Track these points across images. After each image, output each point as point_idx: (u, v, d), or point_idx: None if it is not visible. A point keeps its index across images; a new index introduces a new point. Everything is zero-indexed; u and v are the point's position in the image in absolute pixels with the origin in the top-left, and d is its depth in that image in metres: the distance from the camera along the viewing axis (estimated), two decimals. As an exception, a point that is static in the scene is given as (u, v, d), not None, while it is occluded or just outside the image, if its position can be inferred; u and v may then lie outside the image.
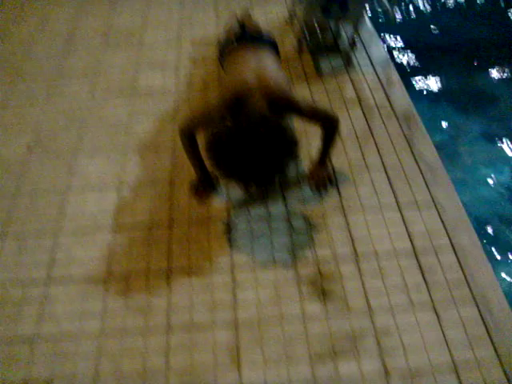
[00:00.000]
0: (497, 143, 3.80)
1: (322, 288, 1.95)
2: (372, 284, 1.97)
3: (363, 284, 1.97)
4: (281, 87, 2.14)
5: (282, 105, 2.10)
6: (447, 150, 3.67)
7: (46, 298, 1.98)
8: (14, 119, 2.83)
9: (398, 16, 5.13)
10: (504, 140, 3.80)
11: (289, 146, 1.94)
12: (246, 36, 2.57)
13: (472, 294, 1.93)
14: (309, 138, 2.55)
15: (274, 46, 2.59)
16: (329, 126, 2.24)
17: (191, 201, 2.31)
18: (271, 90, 2.08)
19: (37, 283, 2.03)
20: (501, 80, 4.43)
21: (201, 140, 2.13)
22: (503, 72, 4.50)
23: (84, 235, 2.20)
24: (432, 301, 1.91)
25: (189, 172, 2.39)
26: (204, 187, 2.33)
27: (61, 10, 3.81)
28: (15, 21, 3.73)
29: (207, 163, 2.18)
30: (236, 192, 2.34)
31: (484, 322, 1.84)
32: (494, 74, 4.49)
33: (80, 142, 2.65)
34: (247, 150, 1.84)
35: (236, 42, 2.52)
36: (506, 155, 3.70)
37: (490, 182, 3.52)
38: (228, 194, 2.34)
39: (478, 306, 1.89)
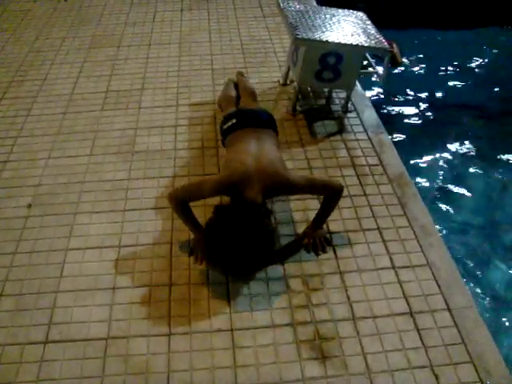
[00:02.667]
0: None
1: (320, 349, 1.97)
2: (370, 345, 1.99)
3: (361, 345, 1.99)
4: (278, 171, 2.25)
5: (280, 189, 2.27)
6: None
7: (44, 360, 1.97)
8: (15, 177, 2.88)
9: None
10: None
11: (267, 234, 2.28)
12: (244, 115, 2.67)
13: (469, 354, 1.95)
14: (304, 201, 2.61)
15: (271, 122, 2.69)
16: (331, 195, 2.33)
17: (190, 261, 2.34)
18: (272, 177, 2.20)
19: (35, 344, 2.02)
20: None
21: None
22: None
23: (83, 295, 2.21)
24: (430, 361, 1.93)
25: (189, 232, 2.43)
26: (202, 248, 2.35)
27: (62, 71, 3.92)
28: (17, 80, 3.83)
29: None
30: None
31: (482, 383, 1.86)
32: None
33: (79, 201, 2.69)
34: (238, 232, 2.09)
35: (235, 118, 2.62)
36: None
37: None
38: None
39: (475, 367, 1.91)
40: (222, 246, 2.19)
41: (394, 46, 2.82)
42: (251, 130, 2.52)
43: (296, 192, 2.39)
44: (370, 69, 3.29)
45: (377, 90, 4.73)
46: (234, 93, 3.25)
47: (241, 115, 2.66)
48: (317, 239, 2.38)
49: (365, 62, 3.23)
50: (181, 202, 2.27)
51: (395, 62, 2.73)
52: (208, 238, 2.25)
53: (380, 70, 3.18)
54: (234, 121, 2.60)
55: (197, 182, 2.40)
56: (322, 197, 2.39)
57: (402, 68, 5.59)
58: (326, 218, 2.40)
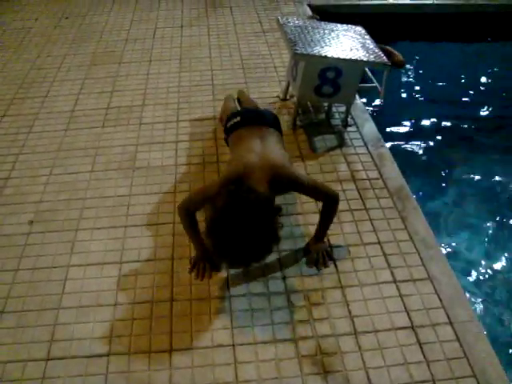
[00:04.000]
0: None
1: (322, 364, 1.96)
2: (372, 359, 1.98)
3: (363, 359, 1.98)
4: (283, 164, 2.24)
5: (285, 182, 2.20)
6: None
7: (46, 377, 1.96)
8: (17, 194, 2.89)
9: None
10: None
11: (273, 231, 2.10)
12: (248, 114, 2.69)
13: (471, 368, 1.94)
14: (305, 215, 2.62)
15: (275, 123, 2.72)
16: (329, 203, 2.32)
17: (192, 277, 2.34)
18: (274, 168, 2.18)
19: (36, 361, 2.01)
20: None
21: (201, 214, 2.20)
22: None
23: (84, 312, 2.20)
24: (432, 376, 1.92)
25: (189, 247, 2.45)
26: (204, 264, 2.35)
27: (63, 88, 3.95)
28: (19, 97, 3.86)
29: (207, 242, 2.24)
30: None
31: (485, 397, 1.86)
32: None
33: (81, 218, 2.70)
34: (238, 226, 1.93)
35: (239, 116, 2.64)
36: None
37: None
38: (228, 269, 2.37)
39: (477, 381, 1.90)
40: (227, 242, 2.00)
41: (391, 49, 2.85)
42: (255, 128, 2.54)
43: (300, 189, 2.32)
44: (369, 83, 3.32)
45: (376, 103, 4.74)
46: (234, 105, 3.26)
47: (245, 114, 2.69)
48: (319, 253, 2.38)
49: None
50: (188, 213, 2.25)
51: (398, 63, 2.75)
52: (213, 232, 2.05)
53: (378, 83, 3.20)
54: (239, 118, 2.62)
55: (201, 188, 2.41)
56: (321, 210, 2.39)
57: (404, 82, 5.62)
58: (326, 228, 2.40)
